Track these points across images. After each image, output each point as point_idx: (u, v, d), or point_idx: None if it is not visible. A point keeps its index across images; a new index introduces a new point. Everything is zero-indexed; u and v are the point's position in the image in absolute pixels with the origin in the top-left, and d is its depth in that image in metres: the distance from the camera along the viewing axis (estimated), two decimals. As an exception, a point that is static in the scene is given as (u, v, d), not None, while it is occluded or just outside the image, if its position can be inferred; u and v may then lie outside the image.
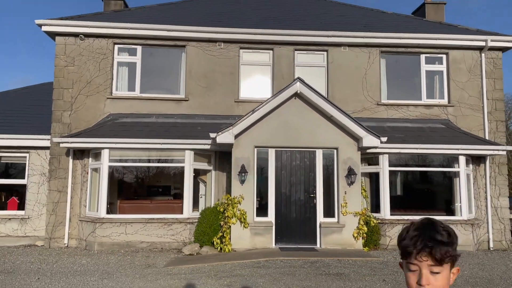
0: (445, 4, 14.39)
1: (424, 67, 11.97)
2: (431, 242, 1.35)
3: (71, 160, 10.84)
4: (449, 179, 11.35)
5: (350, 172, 9.54)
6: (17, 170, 11.79)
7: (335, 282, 6.29)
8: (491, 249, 11.07)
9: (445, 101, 11.86)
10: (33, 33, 69.68)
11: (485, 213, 11.33)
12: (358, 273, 6.89)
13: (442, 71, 11.97)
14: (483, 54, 11.79)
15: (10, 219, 11.18)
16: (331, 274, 6.78)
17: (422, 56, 11.96)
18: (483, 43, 11.62)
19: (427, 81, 11.98)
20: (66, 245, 10.65)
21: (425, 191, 12.75)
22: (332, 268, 7.25)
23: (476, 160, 11.43)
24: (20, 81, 65.62)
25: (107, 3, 14.21)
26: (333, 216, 9.65)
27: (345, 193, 9.56)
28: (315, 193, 9.69)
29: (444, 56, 11.95)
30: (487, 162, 11.40)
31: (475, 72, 11.83)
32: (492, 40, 11.56)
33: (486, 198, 11.38)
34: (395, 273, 6.93)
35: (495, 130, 11.72)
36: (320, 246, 9.39)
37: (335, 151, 9.78)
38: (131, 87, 11.50)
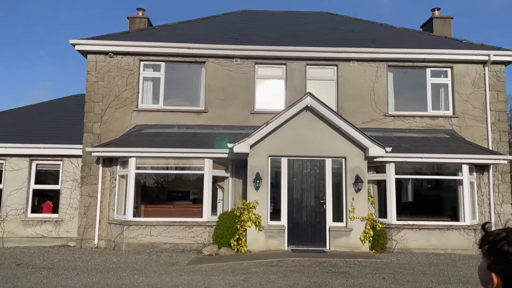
0: (452, 18, 15.01)
1: (430, 80, 12.64)
2: None
3: (101, 168, 11.86)
4: (454, 187, 11.94)
5: (357, 180, 10.28)
6: (51, 176, 12.86)
7: (339, 279, 7.05)
8: (494, 253, 11.58)
9: (450, 112, 12.49)
10: (53, 46, 72.23)
11: (488, 219, 11.88)
12: (361, 272, 7.64)
13: (447, 84, 12.62)
14: (486, 68, 12.40)
15: (45, 221, 12.25)
16: (336, 273, 7.55)
17: (428, 70, 12.64)
18: (486, 58, 12.23)
19: (433, 93, 12.64)
20: (96, 245, 11.64)
21: (431, 198, 13.37)
22: (338, 268, 8.01)
23: (479, 168, 12.00)
24: (39, 88, 68.09)
25: (132, 20, 15.30)
26: (341, 220, 10.39)
27: (353, 199, 10.30)
28: (325, 199, 10.46)
29: (449, 69, 12.60)
30: (491, 170, 11.97)
31: (478, 84, 12.44)
32: (494, 55, 12.17)
33: (489, 205, 11.94)
34: (395, 273, 7.65)
35: (498, 140, 12.29)
36: (329, 249, 10.14)
37: (343, 160, 10.53)
38: (155, 100, 12.49)
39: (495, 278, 1.45)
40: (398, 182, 11.76)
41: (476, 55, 12.28)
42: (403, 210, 11.78)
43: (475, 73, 12.48)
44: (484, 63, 12.42)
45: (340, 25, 15.15)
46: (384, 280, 6.96)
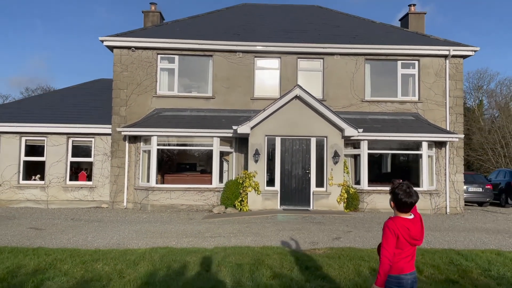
0: (425, 13, 17.32)
1: (400, 71, 15.09)
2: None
3: (127, 144, 14.44)
4: (416, 160, 14.62)
5: (335, 154, 12.93)
6: (85, 151, 15.43)
7: (315, 226, 9.80)
8: (447, 213, 14.40)
9: (416, 98, 15.01)
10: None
11: (444, 186, 14.62)
12: (332, 222, 10.40)
13: (414, 74, 15.08)
14: (447, 61, 14.84)
15: (81, 187, 14.94)
16: (314, 222, 10.31)
17: (399, 62, 15.06)
18: (447, 52, 14.65)
19: (402, 82, 15.12)
20: (125, 207, 14.38)
21: (398, 169, 16.15)
22: (316, 220, 10.77)
23: (438, 144, 14.64)
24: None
25: (146, 14, 17.53)
26: (322, 186, 13.09)
27: (332, 170, 12.97)
28: (310, 170, 13.13)
29: (416, 62, 15.03)
30: (447, 146, 14.61)
31: (440, 75, 14.91)
32: (454, 50, 14.58)
33: (445, 174, 14.65)
34: (356, 223, 10.40)
35: (455, 121, 14.88)
36: (312, 208, 12.89)
37: (325, 139, 13.13)
38: (171, 88, 14.94)
39: (392, 203, 3.81)
40: (371, 156, 14.41)
41: (438, 50, 14.68)
42: (375, 179, 14.50)
43: (438, 65, 14.92)
44: (445, 56, 14.84)
45: (328, 20, 17.42)
46: (346, 227, 9.71)
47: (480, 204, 17.57)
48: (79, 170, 15.52)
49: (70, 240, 8.24)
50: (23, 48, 73.92)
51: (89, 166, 15.45)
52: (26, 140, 15.04)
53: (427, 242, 8.15)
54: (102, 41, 14.44)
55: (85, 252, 6.88)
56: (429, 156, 14.27)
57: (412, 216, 3.19)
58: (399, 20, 18.37)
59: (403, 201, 3.14)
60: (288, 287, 5.04)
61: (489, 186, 17.18)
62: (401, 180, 3.32)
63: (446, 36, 65.50)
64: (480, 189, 17.05)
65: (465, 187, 16.62)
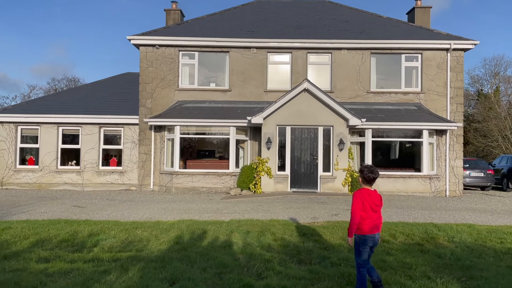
0: (431, 7, 18.16)
1: (404, 64, 16.12)
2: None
3: (153, 133, 16.03)
4: (418, 147, 15.74)
5: (341, 142, 14.20)
6: (115, 139, 17.11)
7: (318, 205, 11.19)
8: (447, 196, 15.53)
9: (418, 89, 16.05)
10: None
11: (444, 171, 15.72)
12: (335, 202, 11.76)
13: (417, 67, 16.09)
14: (448, 54, 15.78)
15: (112, 172, 16.67)
16: (319, 202, 11.69)
17: (403, 56, 16.09)
18: (448, 46, 15.59)
19: (406, 74, 16.16)
20: (151, 189, 16.04)
21: (401, 155, 17.27)
22: (321, 200, 12.15)
23: (439, 132, 15.70)
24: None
25: (168, 12, 18.96)
26: (329, 171, 14.41)
27: (337, 156, 14.26)
28: (317, 156, 14.45)
29: (419, 55, 16.02)
30: (448, 134, 15.66)
31: (442, 67, 15.88)
32: (455, 44, 15.51)
33: (445, 160, 15.73)
34: (357, 203, 11.70)
35: (455, 111, 15.89)
36: (319, 190, 14.24)
37: (331, 128, 14.39)
38: (191, 82, 16.39)
39: (360, 179, 5.13)
40: (376, 143, 15.60)
41: (440, 44, 15.63)
42: (379, 164, 15.70)
43: (440, 58, 15.88)
44: (447, 50, 15.78)
45: (338, 15, 18.46)
46: (346, 206, 11.04)
47: (483, 188, 18.57)
48: (110, 157, 17.24)
49: (110, 215, 9.85)
50: (43, 37, 76.70)
51: (118, 153, 17.15)
52: (63, 129, 16.80)
53: (414, 218, 9.44)
54: (130, 40, 15.95)
55: (125, 223, 8.46)
56: (430, 143, 15.37)
57: (373, 189, 4.52)
58: (406, 14, 19.25)
59: (367, 176, 4.49)
60: (286, 246, 6.47)
61: (490, 171, 18.14)
62: (366, 163, 4.71)
63: (463, 21, 64.74)
64: (482, 174, 18.04)
65: (467, 172, 17.71)
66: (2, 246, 6.49)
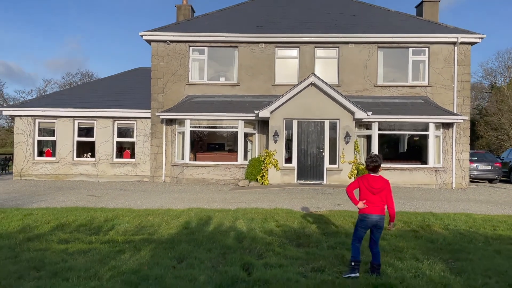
0: (439, 1, 18.22)
1: (411, 58, 16.29)
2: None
3: (164, 126, 16.54)
4: (424, 140, 15.94)
5: (347, 135, 14.51)
6: (128, 132, 17.69)
7: (323, 196, 11.57)
8: (453, 188, 15.74)
9: (425, 82, 16.22)
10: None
11: (451, 163, 15.92)
12: (339, 193, 12.13)
13: (424, 60, 16.25)
14: (456, 47, 15.90)
15: (126, 164, 17.27)
16: (323, 193, 12.06)
17: (410, 49, 16.26)
18: (455, 39, 15.71)
19: (413, 68, 16.34)
20: (163, 180, 16.59)
21: (407, 148, 17.48)
22: (326, 191, 12.52)
23: (446, 125, 15.88)
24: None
25: (179, 8, 19.41)
26: (335, 163, 14.74)
27: (343, 149, 14.58)
28: (324, 149, 14.79)
29: (426, 49, 16.18)
30: (454, 127, 15.83)
31: (449, 60, 16.01)
32: (462, 37, 15.63)
33: (452, 153, 15.92)
34: (361, 194, 12.04)
35: (462, 104, 16.03)
36: (325, 182, 14.60)
37: (337, 121, 14.70)
38: (201, 76, 16.84)
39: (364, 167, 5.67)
40: (382, 136, 15.87)
41: (447, 37, 15.76)
42: (385, 157, 15.97)
43: (447, 52, 16.02)
44: (454, 43, 15.91)
45: (346, 9, 18.66)
46: (350, 196, 11.39)
47: (490, 181, 18.69)
48: (123, 149, 17.84)
49: (124, 203, 10.39)
50: (57, 31, 77.99)
51: (131, 146, 17.73)
52: (78, 123, 17.44)
53: (415, 207, 9.76)
54: (142, 36, 16.44)
55: (138, 210, 8.97)
56: (436, 136, 15.57)
57: (377, 175, 4.89)
58: (415, 7, 19.33)
59: (368, 164, 4.88)
60: (287, 231, 6.89)
61: (498, 164, 18.24)
62: (372, 153, 5.13)
63: (477, 13, 63.74)
64: (489, 167, 18.16)
65: (474, 165, 17.87)
66: (25, 229, 7.05)
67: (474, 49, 48.16)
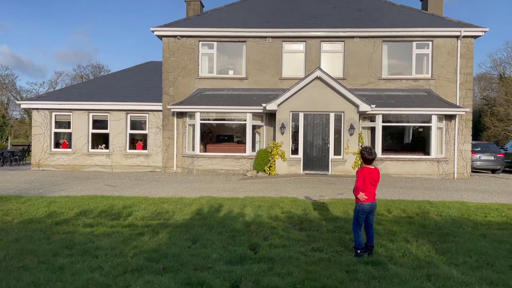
0: (444, -6, 18.48)
1: (415, 51, 16.66)
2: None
3: (175, 119, 17.19)
4: (427, 131, 16.37)
5: (351, 127, 15.01)
6: (140, 124, 18.38)
7: (327, 185, 12.14)
8: (455, 178, 16.20)
9: (429, 75, 16.60)
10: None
11: (453, 154, 16.36)
12: (343, 183, 12.69)
13: (428, 54, 16.61)
14: (459, 41, 16.23)
15: (138, 155, 17.99)
16: (328, 183, 12.64)
17: (414, 43, 16.62)
18: (458, 33, 16.03)
19: (416, 61, 16.72)
20: (174, 171, 17.29)
21: (410, 139, 17.93)
22: (330, 181, 13.09)
23: (448, 117, 16.29)
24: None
25: (188, 3, 19.91)
26: (339, 154, 15.28)
27: (348, 140, 15.10)
28: (329, 140, 15.32)
29: (430, 42, 16.52)
30: (457, 119, 16.24)
31: (452, 54, 16.36)
32: (465, 31, 15.95)
33: (454, 144, 16.35)
34: (363, 183, 12.58)
35: (465, 96, 16.40)
36: (330, 173, 15.16)
37: (342, 113, 15.20)
38: (210, 70, 17.41)
39: (361, 160, 6.20)
40: (386, 128, 16.33)
41: (451, 31, 16.09)
42: (389, 148, 16.48)
43: (450, 45, 16.35)
44: (457, 37, 16.23)
45: (352, 3, 19.01)
46: (352, 186, 11.93)
47: (493, 171, 19.07)
48: (136, 141, 18.55)
49: (139, 192, 11.08)
50: (66, 22, 78.85)
51: (144, 137, 18.43)
52: (93, 115, 18.16)
53: (413, 196, 10.29)
54: (153, 31, 17.01)
55: (153, 198, 9.65)
56: (439, 128, 16.00)
57: (373, 167, 5.44)
58: (420, 0, 19.60)
59: (366, 157, 5.40)
60: (291, 217, 7.50)
61: (500, 155, 18.60)
62: (366, 145, 5.66)
63: (487, 2, 63.01)
64: (492, 157, 18.53)
65: (477, 155, 18.26)
66: (52, 215, 7.75)
67: (482, 39, 47.95)
